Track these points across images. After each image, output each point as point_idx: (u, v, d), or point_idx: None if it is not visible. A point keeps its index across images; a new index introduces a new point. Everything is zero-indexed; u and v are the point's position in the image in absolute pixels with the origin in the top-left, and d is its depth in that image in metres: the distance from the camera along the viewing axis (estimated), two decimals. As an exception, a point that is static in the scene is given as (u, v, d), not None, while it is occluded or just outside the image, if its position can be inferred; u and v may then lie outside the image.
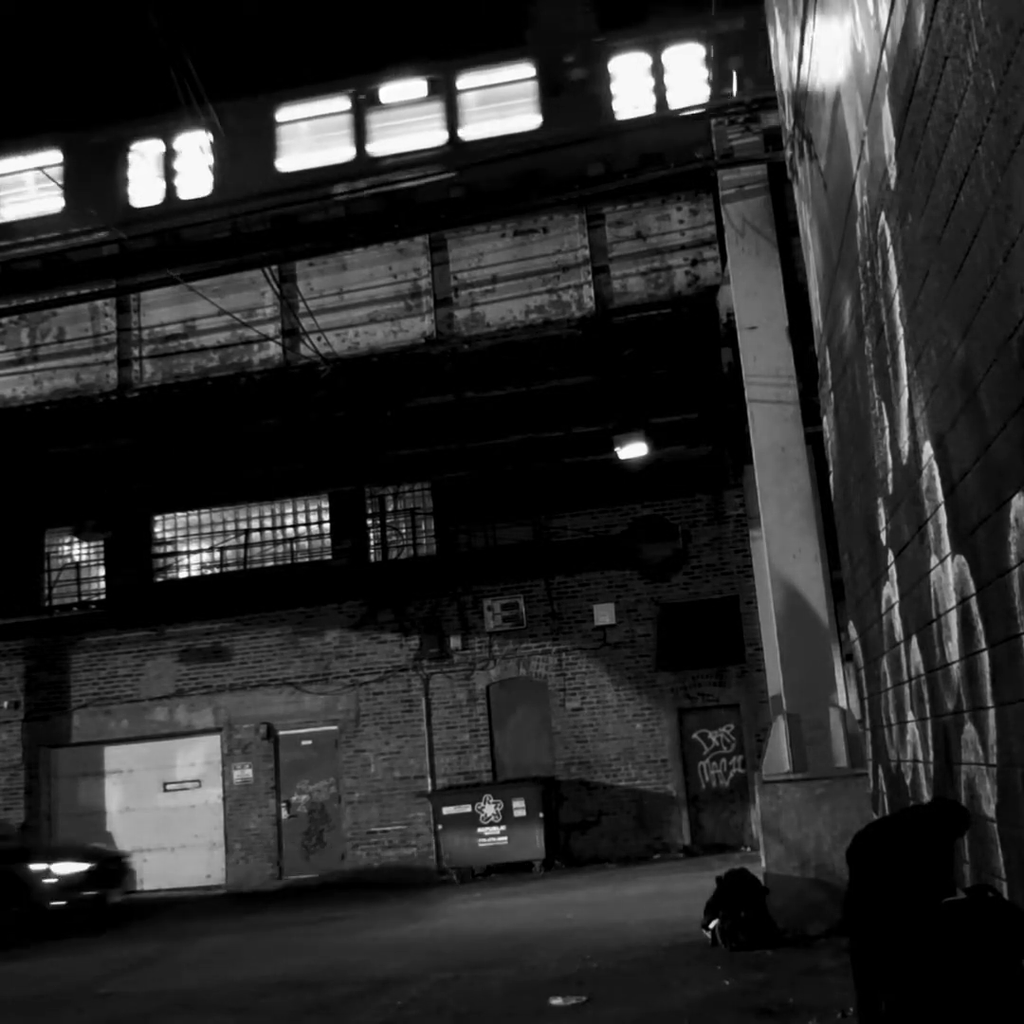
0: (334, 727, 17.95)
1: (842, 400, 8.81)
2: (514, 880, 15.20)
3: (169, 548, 19.40)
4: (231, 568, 19.04)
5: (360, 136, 13.56)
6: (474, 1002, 7.79)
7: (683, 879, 13.09)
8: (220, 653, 18.52)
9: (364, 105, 13.69)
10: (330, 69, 12.38)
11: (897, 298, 5.98)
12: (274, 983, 9.19)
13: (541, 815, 15.77)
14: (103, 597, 19.26)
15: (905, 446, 6.25)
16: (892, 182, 5.74)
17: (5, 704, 18.99)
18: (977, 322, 4.39)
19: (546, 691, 17.33)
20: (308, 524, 19.01)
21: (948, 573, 5.46)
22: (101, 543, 19.43)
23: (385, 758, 17.65)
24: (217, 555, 19.12)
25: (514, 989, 8.05)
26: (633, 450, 15.59)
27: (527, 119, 13.29)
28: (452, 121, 13.42)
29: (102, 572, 19.41)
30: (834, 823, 8.87)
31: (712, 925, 8.86)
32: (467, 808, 15.86)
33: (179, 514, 19.32)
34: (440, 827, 16.22)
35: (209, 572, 19.18)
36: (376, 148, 13.60)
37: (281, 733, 18.12)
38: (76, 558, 19.55)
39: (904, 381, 6.06)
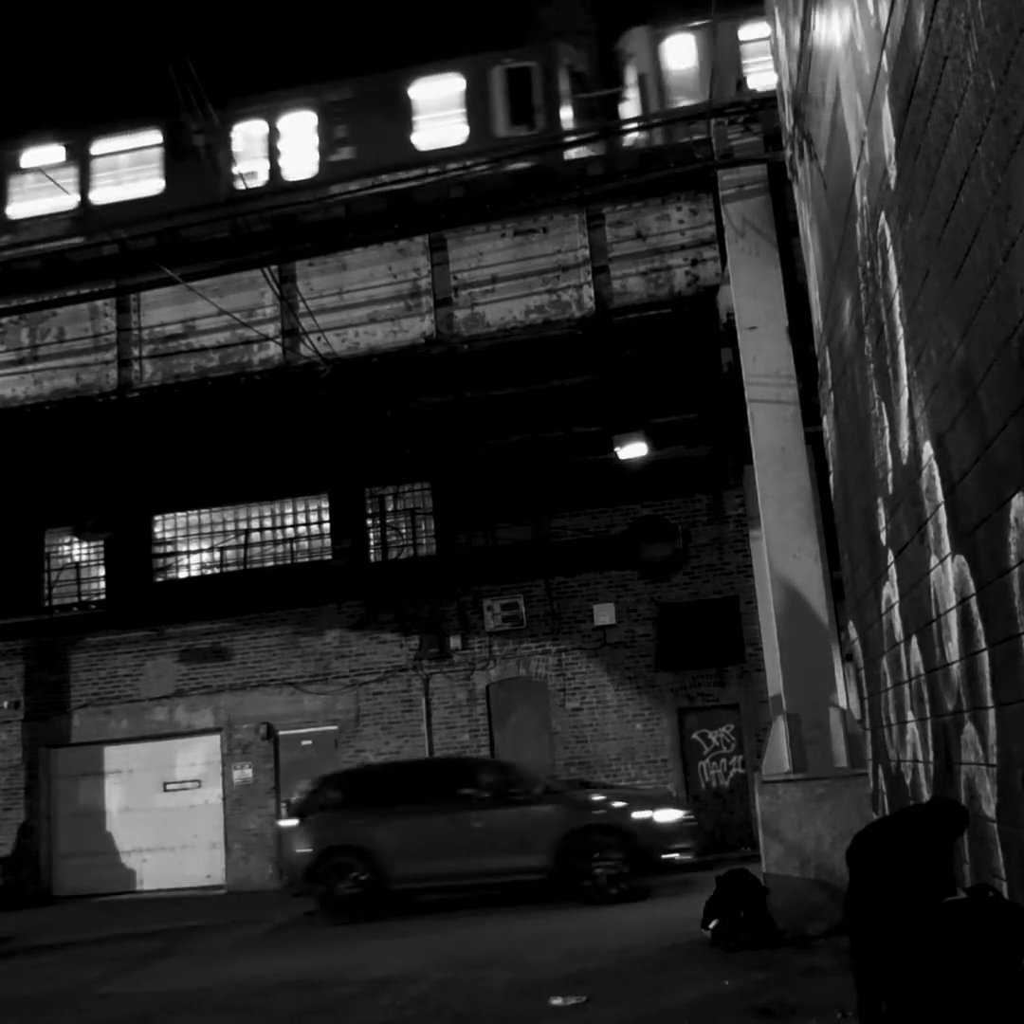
0: (334, 727, 17.94)
1: (842, 400, 8.81)
2: (514, 880, 15.16)
3: (169, 548, 19.40)
4: (231, 568, 19.03)
5: (2, 197, 14.35)
6: (474, 1002, 7.79)
7: (683, 879, 13.06)
8: (220, 653, 18.51)
9: (4, 170, 14.54)
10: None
11: (897, 298, 5.98)
12: (274, 983, 9.19)
13: (541, 815, 15.72)
14: (103, 597, 19.25)
15: (905, 446, 6.25)
16: (892, 182, 5.74)
17: (5, 704, 18.97)
18: (977, 322, 4.39)
19: (546, 691, 17.33)
20: (308, 524, 19.01)
21: (948, 573, 5.46)
22: (101, 543, 19.42)
23: (385, 758, 17.63)
24: (217, 555, 19.12)
25: (514, 989, 8.05)
26: (633, 450, 15.60)
27: (153, 183, 14.06)
28: (85, 185, 14.11)
29: (102, 572, 19.40)
30: (834, 823, 8.86)
31: (712, 925, 8.87)
32: (467, 808, 15.81)
33: (179, 514, 19.31)
34: (440, 827, 16.18)
35: (209, 572, 19.17)
36: (15, 210, 14.37)
37: (281, 733, 18.11)
38: (76, 558, 19.55)
39: (904, 381, 6.06)
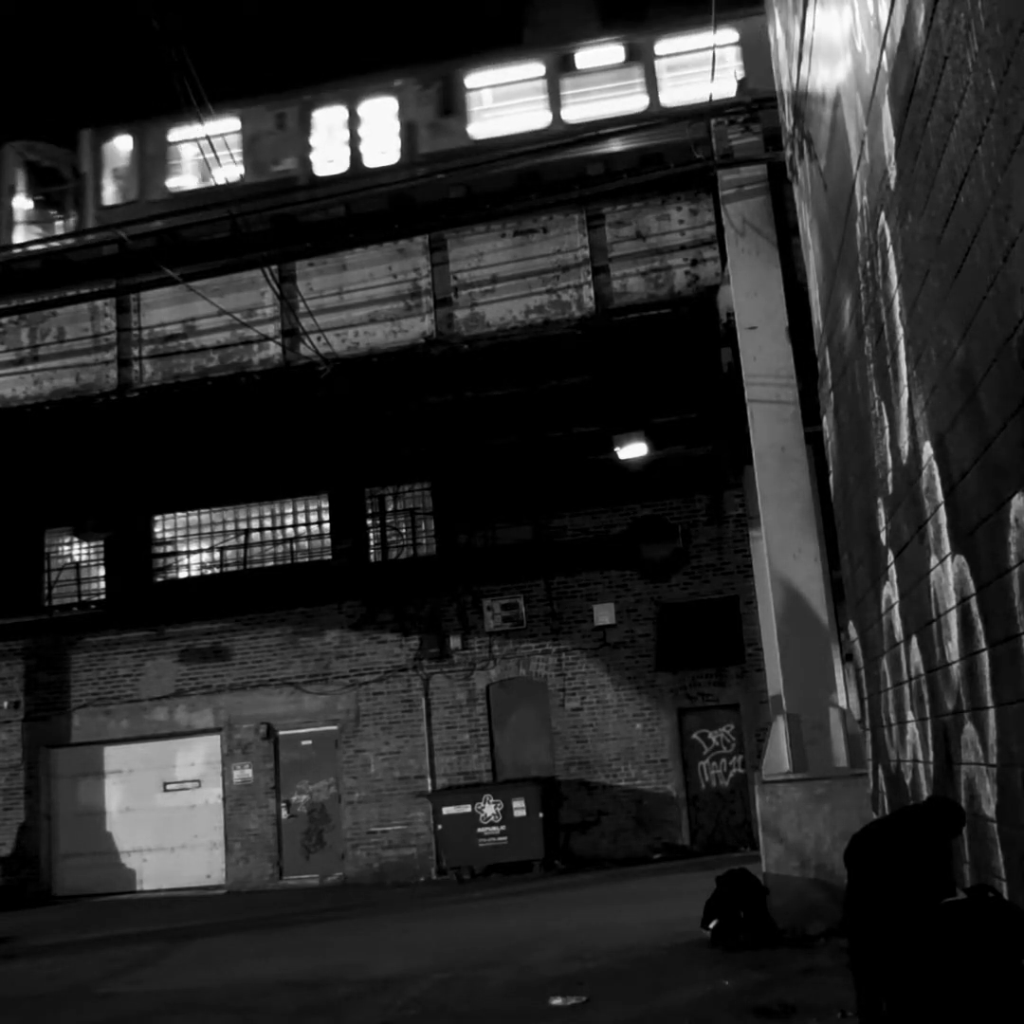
0: (334, 727, 17.94)
1: (842, 400, 8.81)
2: (514, 880, 15.20)
3: (169, 548, 19.40)
4: (231, 568, 19.03)
5: (555, 102, 13.45)
6: (474, 1002, 7.79)
7: (683, 879, 13.08)
8: (220, 653, 18.51)
9: (558, 69, 13.54)
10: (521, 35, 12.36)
11: (897, 298, 5.98)
12: (274, 983, 9.19)
13: (541, 815, 15.75)
14: (103, 597, 19.24)
15: (905, 446, 6.25)
16: (892, 182, 5.74)
17: (5, 704, 18.97)
18: (977, 322, 4.39)
19: (546, 691, 17.32)
20: (308, 524, 19.01)
21: (948, 573, 5.46)
22: (101, 543, 19.41)
23: (385, 758, 17.64)
24: (217, 555, 19.12)
25: (514, 989, 8.06)
26: (633, 450, 15.60)
27: (726, 85, 12.64)
28: (652, 86, 13.22)
29: (102, 572, 19.40)
30: (834, 823, 8.86)
31: (712, 925, 8.88)
32: (467, 808, 15.85)
33: (179, 514, 19.31)
34: (440, 827, 16.21)
35: (209, 572, 19.16)
36: (571, 114, 13.46)
37: (281, 733, 18.11)
38: (76, 558, 19.54)
39: (904, 381, 6.06)
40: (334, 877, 17.37)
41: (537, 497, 17.66)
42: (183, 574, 19.34)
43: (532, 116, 13.54)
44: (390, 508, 18.58)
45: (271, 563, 19.00)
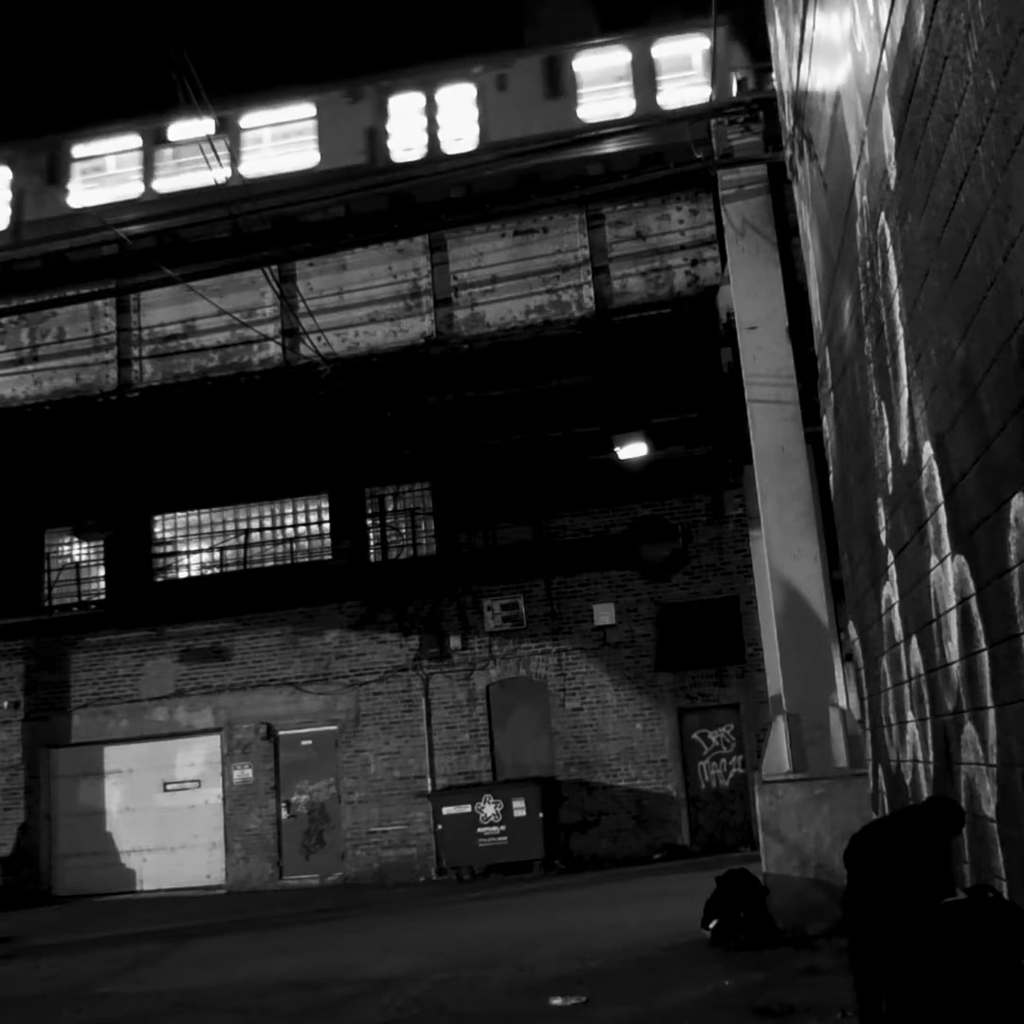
0: (334, 727, 17.94)
1: (842, 400, 8.81)
2: (514, 880, 15.21)
3: (169, 548, 19.39)
4: (231, 568, 19.02)
5: (148, 173, 14.19)
6: (474, 1002, 7.79)
7: (682, 879, 13.08)
8: (220, 653, 18.51)
9: (153, 143, 14.36)
10: (123, 105, 13.24)
11: (897, 298, 5.98)
12: (274, 983, 9.19)
13: (541, 815, 15.75)
14: (103, 597, 19.24)
15: (905, 446, 6.25)
16: (892, 182, 5.74)
17: (5, 704, 18.97)
18: (977, 322, 4.39)
19: (546, 691, 17.33)
20: (308, 524, 19.01)
21: (948, 573, 5.46)
22: (101, 543, 19.42)
23: (385, 758, 17.64)
24: (217, 555, 19.12)
25: (514, 989, 8.06)
26: (633, 450, 15.61)
27: (307, 156, 13.77)
28: (235, 158, 13.88)
29: (102, 572, 19.39)
30: (834, 823, 8.87)
31: (712, 925, 8.88)
32: (467, 808, 15.85)
33: (179, 514, 19.31)
34: (440, 827, 16.21)
35: (209, 572, 19.16)
36: (161, 185, 14.19)
37: (281, 733, 18.11)
38: (76, 558, 19.54)
39: (904, 381, 6.06)
40: (334, 877, 17.37)
41: (537, 497, 17.66)
42: (183, 574, 19.34)
43: (126, 187, 14.30)
44: (390, 508, 18.58)
45: (271, 563, 18.99)
